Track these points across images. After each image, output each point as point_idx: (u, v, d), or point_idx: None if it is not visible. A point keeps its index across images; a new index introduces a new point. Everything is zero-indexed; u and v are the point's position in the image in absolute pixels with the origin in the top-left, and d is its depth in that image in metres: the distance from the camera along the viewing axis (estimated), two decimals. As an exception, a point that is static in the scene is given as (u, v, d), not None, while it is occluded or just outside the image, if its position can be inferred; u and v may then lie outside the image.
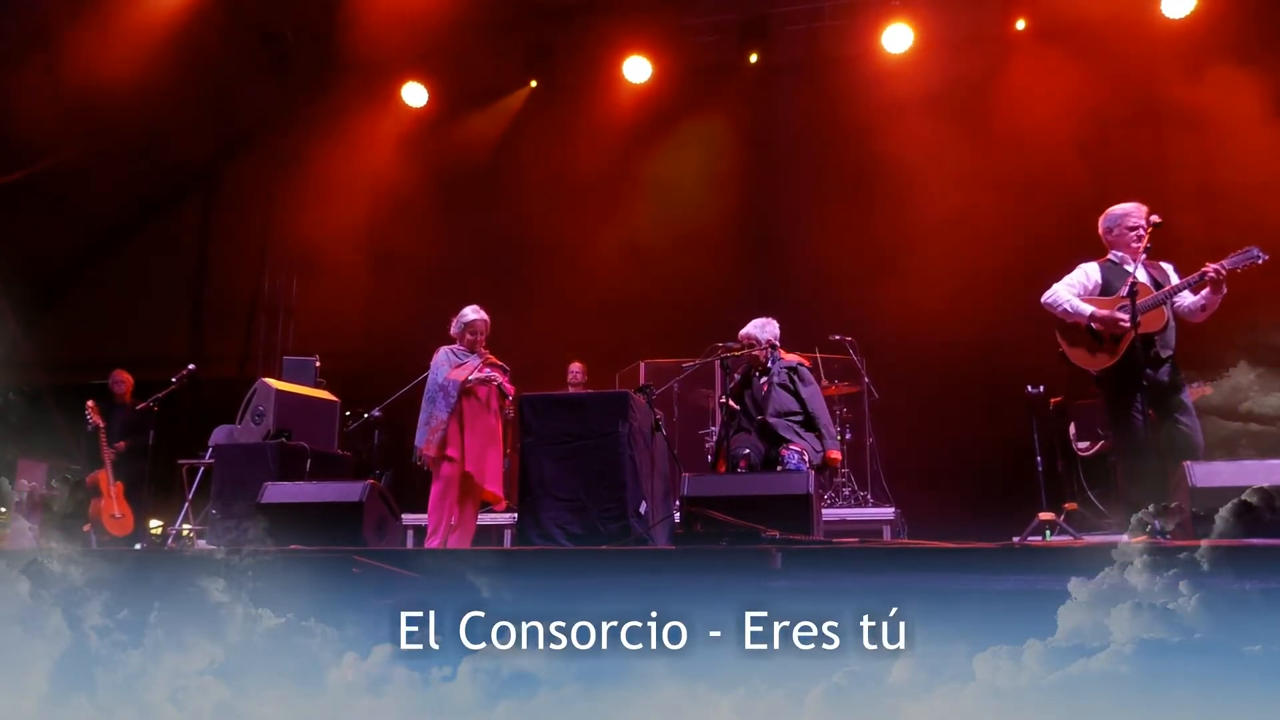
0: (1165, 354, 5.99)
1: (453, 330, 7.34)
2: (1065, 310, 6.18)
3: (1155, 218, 6.02)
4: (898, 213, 10.12)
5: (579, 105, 11.89)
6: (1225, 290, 5.83)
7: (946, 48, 10.87)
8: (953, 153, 10.33)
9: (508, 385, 7.23)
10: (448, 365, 7.19)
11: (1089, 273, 6.28)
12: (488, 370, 7.15)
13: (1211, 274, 5.76)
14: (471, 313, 7.31)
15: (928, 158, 10.23)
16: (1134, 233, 6.15)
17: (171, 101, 11.67)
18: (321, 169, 12.45)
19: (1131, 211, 6.20)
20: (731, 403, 7.61)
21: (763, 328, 7.67)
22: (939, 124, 10.44)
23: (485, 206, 12.00)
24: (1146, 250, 6.10)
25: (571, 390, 9.84)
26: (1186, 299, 6.00)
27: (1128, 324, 5.90)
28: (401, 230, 11.78)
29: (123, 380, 9.98)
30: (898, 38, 10.75)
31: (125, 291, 13.09)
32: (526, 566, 4.13)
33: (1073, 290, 6.22)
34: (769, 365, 7.61)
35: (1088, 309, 6.11)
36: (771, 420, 7.38)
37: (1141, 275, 6.06)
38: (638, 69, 11.55)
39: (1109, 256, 6.28)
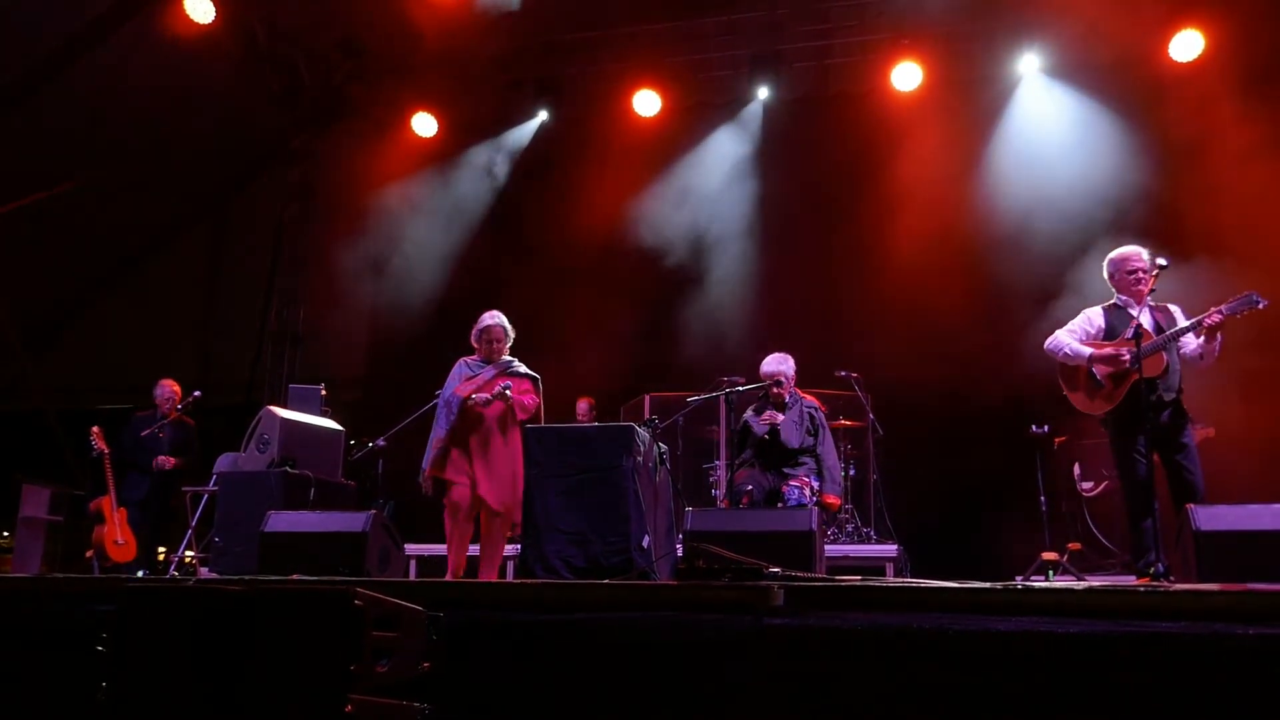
0: (1168, 397, 6.00)
1: (472, 338, 6.99)
2: (1066, 354, 6.24)
3: (1161, 260, 6.04)
4: (905, 249, 10.11)
5: (588, 138, 11.94)
6: (1221, 337, 5.85)
7: (955, 86, 10.92)
8: (961, 190, 10.36)
9: (528, 400, 6.74)
10: (457, 379, 6.82)
11: (1091, 318, 6.34)
12: (499, 386, 6.62)
13: (1208, 321, 5.78)
14: (488, 319, 6.91)
15: (936, 195, 10.26)
16: (1132, 276, 6.18)
17: (183, 130, 11.77)
18: (331, 198, 12.53)
19: (1130, 255, 6.24)
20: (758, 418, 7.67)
21: (784, 362, 7.73)
22: (947, 161, 10.47)
23: (493, 238, 12.03)
24: (1152, 293, 6.12)
25: (578, 427, 9.82)
26: (1190, 344, 6.01)
27: (1126, 366, 5.93)
28: (409, 261, 11.83)
29: (172, 394, 9.42)
30: (907, 75, 10.80)
31: (133, 318, 13.15)
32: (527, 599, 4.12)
33: (1074, 335, 6.28)
34: (787, 401, 7.67)
35: (1087, 352, 6.15)
36: (795, 447, 7.49)
37: (1146, 319, 6.07)
38: (647, 102, 11.61)
39: (1114, 300, 6.31)
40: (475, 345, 6.95)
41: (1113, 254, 6.34)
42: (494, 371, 6.79)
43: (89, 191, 11.75)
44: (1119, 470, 6.16)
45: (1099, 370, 6.12)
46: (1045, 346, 6.39)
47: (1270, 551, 4.92)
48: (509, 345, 6.93)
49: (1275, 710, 2.57)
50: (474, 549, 6.89)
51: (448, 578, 6.51)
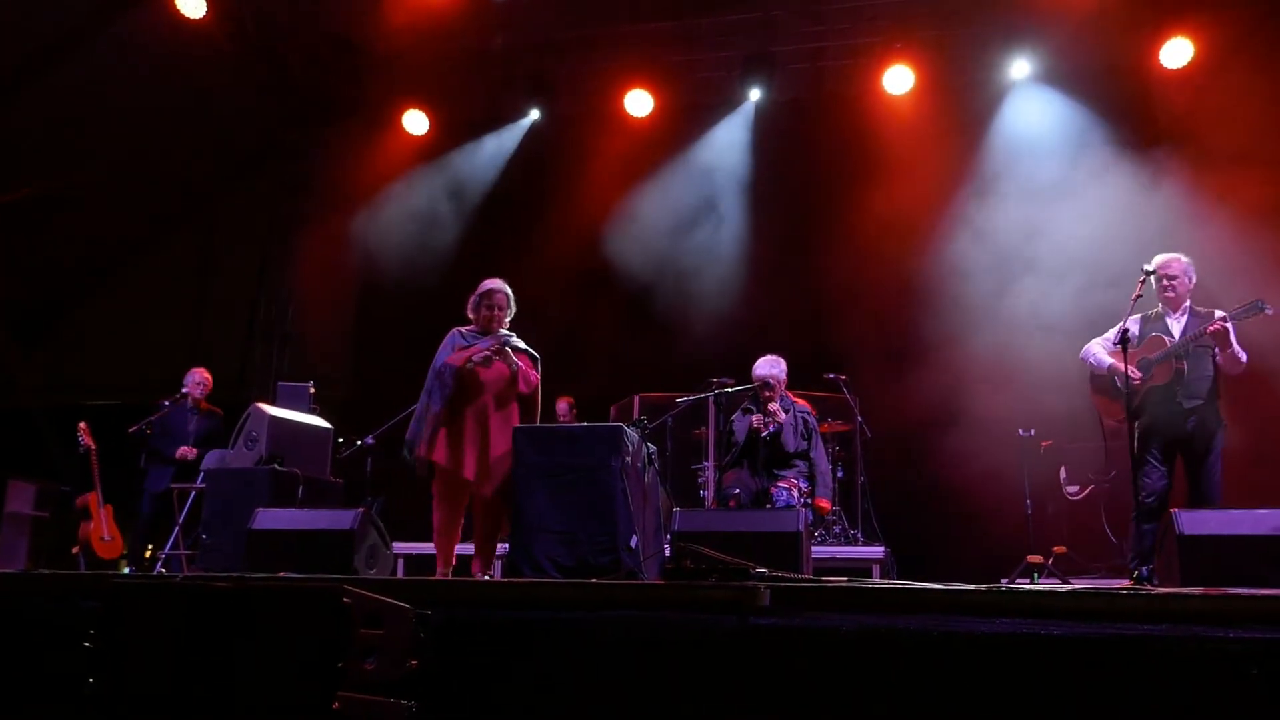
0: (1189, 405, 6.07)
1: (469, 308, 6.51)
2: (1091, 363, 6.45)
3: (1146, 265, 6.18)
4: (896, 252, 10.14)
5: (581, 137, 11.93)
6: (1233, 343, 5.94)
7: (947, 90, 10.95)
8: (952, 193, 10.38)
9: (530, 373, 6.35)
10: (449, 349, 6.32)
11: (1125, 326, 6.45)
12: (492, 353, 6.19)
13: (1210, 329, 5.88)
14: (491, 284, 6.43)
15: (928, 197, 10.28)
16: (1164, 283, 6.31)
17: (173, 126, 11.74)
18: (321, 195, 12.50)
19: (1168, 263, 6.40)
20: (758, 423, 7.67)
21: (775, 365, 7.76)
22: (939, 165, 10.50)
23: (484, 235, 12.02)
24: (1139, 299, 6.20)
25: (561, 428, 9.79)
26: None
27: (1136, 378, 6.07)
28: (399, 258, 11.80)
29: (203, 380, 9.47)
30: (899, 79, 10.83)
31: (122, 315, 13.10)
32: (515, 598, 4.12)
33: (1105, 344, 6.44)
34: (778, 405, 7.70)
35: (1108, 361, 6.32)
36: (790, 450, 7.54)
37: (1177, 326, 6.26)
38: (639, 102, 11.61)
39: (1156, 307, 6.43)
40: (472, 315, 6.48)
41: (1152, 261, 6.42)
42: (491, 343, 6.29)
43: (78, 188, 11.71)
44: (1134, 473, 6.24)
45: (1119, 378, 6.26)
46: (1080, 356, 6.66)
47: (1252, 556, 4.95)
48: (509, 318, 6.49)
49: (1256, 714, 2.59)
50: (463, 549, 6.60)
51: (438, 574, 6.36)
